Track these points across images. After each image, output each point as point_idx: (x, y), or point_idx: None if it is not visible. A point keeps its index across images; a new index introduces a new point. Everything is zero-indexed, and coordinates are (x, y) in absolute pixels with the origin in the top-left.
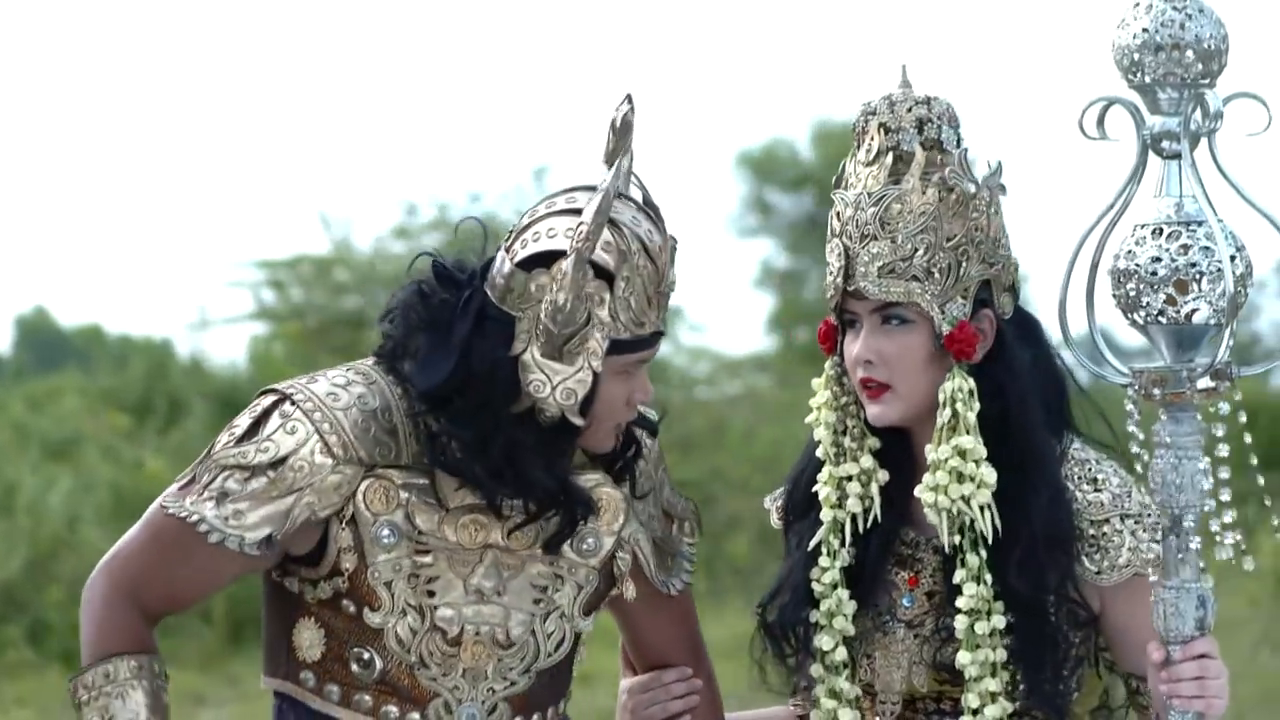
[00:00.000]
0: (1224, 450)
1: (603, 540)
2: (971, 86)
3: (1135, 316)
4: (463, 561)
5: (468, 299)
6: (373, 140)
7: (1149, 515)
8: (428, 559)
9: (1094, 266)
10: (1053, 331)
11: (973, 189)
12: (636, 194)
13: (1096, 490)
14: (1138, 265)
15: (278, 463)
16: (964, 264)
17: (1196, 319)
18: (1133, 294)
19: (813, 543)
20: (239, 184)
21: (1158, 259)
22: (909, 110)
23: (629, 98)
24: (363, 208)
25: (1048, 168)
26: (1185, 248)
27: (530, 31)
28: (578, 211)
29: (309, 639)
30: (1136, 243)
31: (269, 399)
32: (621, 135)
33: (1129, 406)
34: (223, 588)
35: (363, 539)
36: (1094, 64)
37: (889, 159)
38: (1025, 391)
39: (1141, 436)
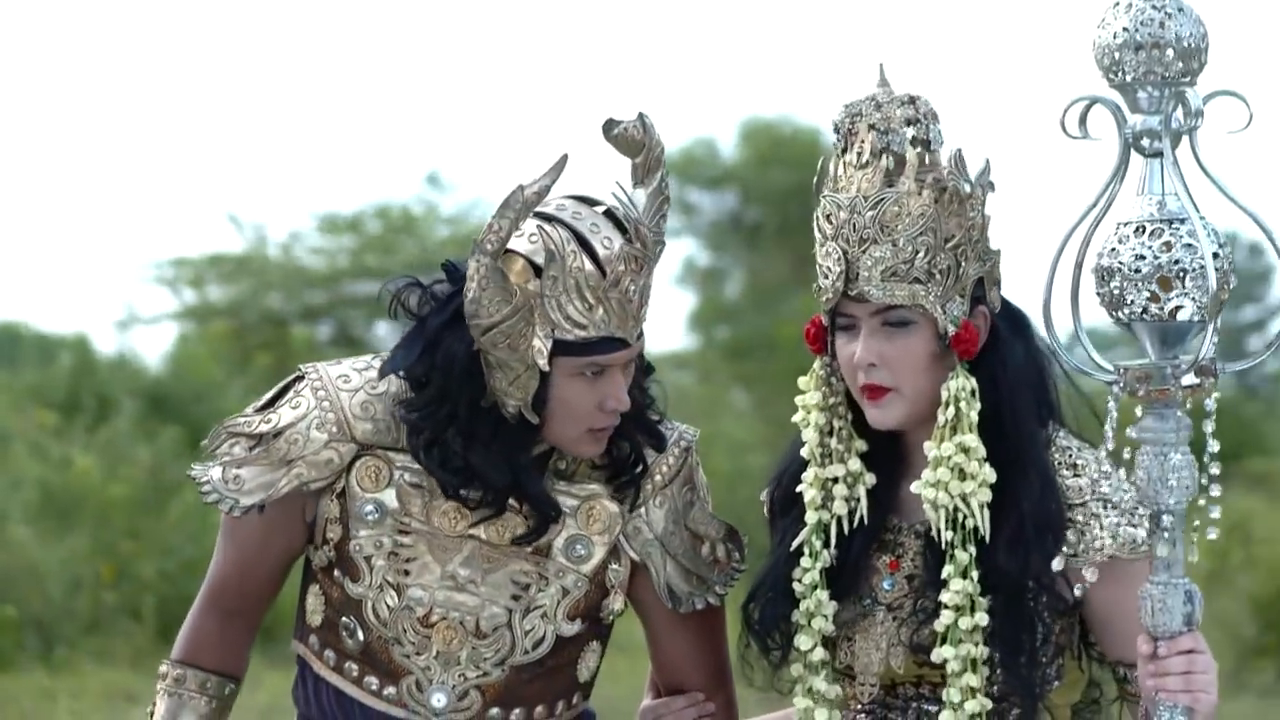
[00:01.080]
0: (1215, 446)
1: (594, 549)
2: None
3: (1119, 314)
4: (443, 547)
5: (453, 295)
6: (284, 140)
7: (1125, 499)
8: (408, 540)
9: (1078, 265)
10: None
11: (967, 188)
12: (614, 202)
13: (1076, 475)
14: (1121, 263)
15: (277, 434)
16: (962, 263)
17: (1180, 316)
18: (1116, 291)
19: (795, 543)
20: (152, 182)
21: (1141, 256)
22: (897, 110)
23: (640, 115)
24: (275, 207)
25: (1014, 164)
26: (1168, 245)
27: (439, 34)
28: (548, 218)
29: (313, 604)
30: (1119, 240)
31: (292, 376)
32: (633, 151)
33: (1110, 405)
34: (279, 569)
35: (348, 513)
36: (1054, 61)
37: (883, 160)
38: (1018, 384)
39: (1111, 436)
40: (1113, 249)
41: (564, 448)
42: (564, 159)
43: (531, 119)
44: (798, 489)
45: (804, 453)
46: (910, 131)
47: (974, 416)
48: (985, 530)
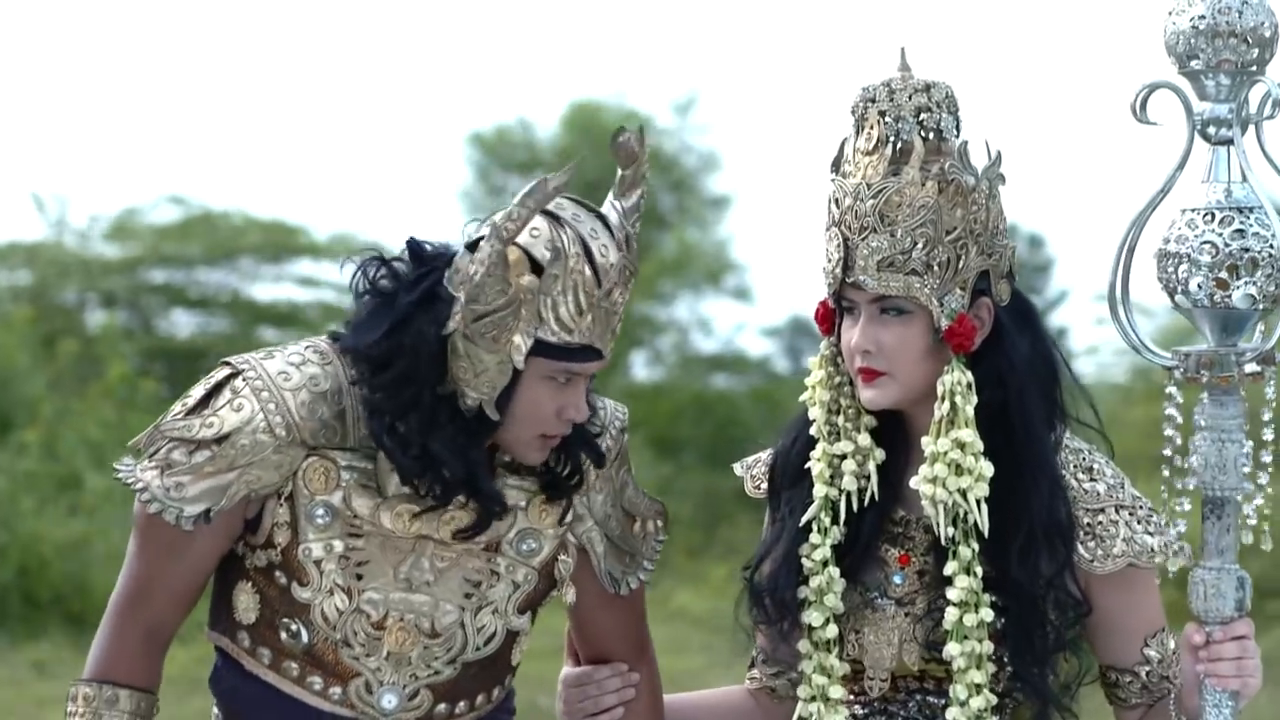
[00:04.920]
0: (1269, 434)
1: (544, 542)
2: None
3: (1181, 299)
4: (395, 549)
5: (423, 275)
6: (92, 126)
7: (1142, 507)
8: (360, 542)
9: (1130, 250)
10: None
11: (972, 181)
12: (612, 214)
13: (1092, 480)
14: (1189, 249)
15: (221, 439)
16: (963, 257)
17: (1245, 304)
18: (1182, 277)
19: (804, 519)
20: None
21: (1209, 243)
22: (909, 98)
23: (641, 128)
24: (77, 193)
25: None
26: (1240, 233)
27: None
28: (553, 217)
29: (245, 603)
30: (1187, 225)
31: (223, 372)
32: (626, 163)
33: (1170, 389)
34: (207, 572)
35: (298, 516)
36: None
37: (889, 149)
38: (1024, 381)
39: (1180, 420)
40: (1180, 234)
41: (511, 449)
42: (579, 159)
43: (352, 103)
44: (806, 465)
45: (812, 430)
46: (920, 121)
47: (969, 411)
48: (984, 526)
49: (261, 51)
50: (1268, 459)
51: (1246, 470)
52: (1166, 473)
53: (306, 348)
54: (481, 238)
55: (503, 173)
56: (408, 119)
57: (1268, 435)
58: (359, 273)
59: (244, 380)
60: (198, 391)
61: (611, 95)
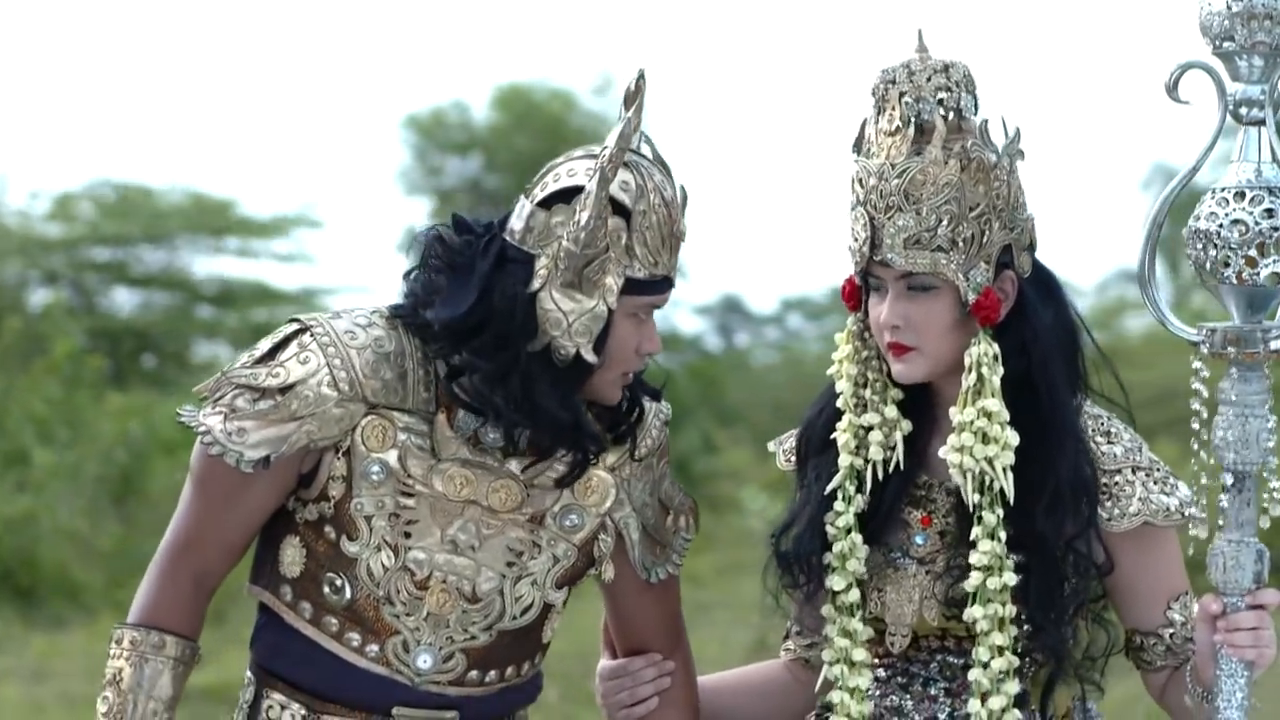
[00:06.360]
0: None
1: (587, 519)
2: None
3: (1210, 277)
4: (444, 511)
5: (488, 242)
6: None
7: (1158, 469)
8: (411, 502)
9: (1159, 227)
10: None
11: (993, 158)
12: (648, 151)
13: (1110, 443)
14: (1219, 227)
15: (286, 389)
16: (986, 232)
17: (1272, 282)
18: (1212, 254)
19: (830, 487)
20: None
21: (1239, 221)
22: (929, 79)
23: (641, 73)
24: (14, 171)
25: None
26: (1270, 212)
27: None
28: (595, 156)
29: (291, 556)
30: (1218, 204)
31: (292, 327)
32: (629, 105)
33: (1196, 364)
34: (258, 523)
35: (353, 471)
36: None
37: (911, 129)
38: (1048, 349)
39: (1206, 394)
40: (1211, 213)
41: (597, 392)
42: (643, 89)
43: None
44: (831, 435)
45: (839, 403)
46: (940, 101)
47: (996, 382)
48: (1010, 493)
49: (205, 37)
50: None
51: (1270, 445)
52: (1195, 446)
53: (373, 313)
54: (557, 191)
55: (439, 153)
56: (344, 102)
57: None
58: (424, 249)
59: (311, 336)
60: (265, 344)
61: (537, 77)
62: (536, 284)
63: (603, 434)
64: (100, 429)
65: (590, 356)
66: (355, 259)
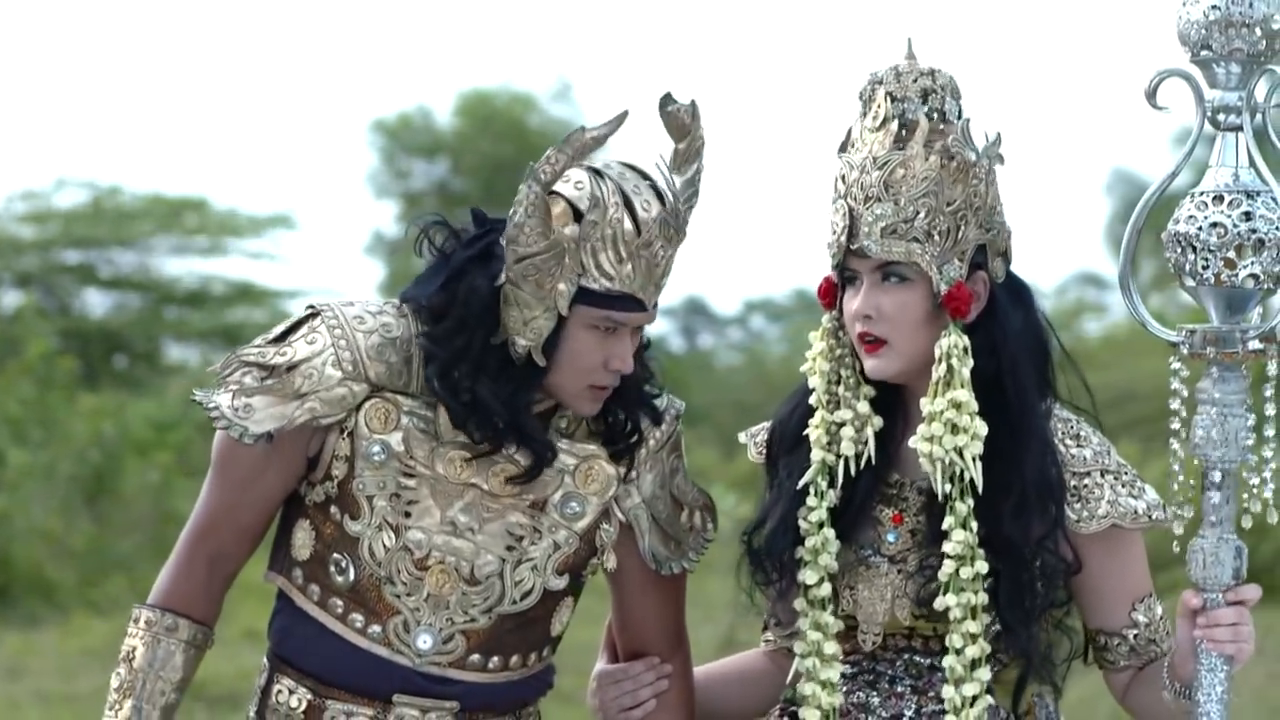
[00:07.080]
0: (1271, 409)
1: (587, 508)
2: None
3: (1189, 279)
4: (444, 493)
5: (481, 235)
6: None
7: (1126, 473)
8: (411, 483)
9: (1139, 232)
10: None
11: (973, 157)
12: (659, 177)
13: (1080, 446)
14: (1198, 230)
15: (292, 367)
16: (962, 228)
17: (1250, 283)
18: (1191, 257)
19: (801, 483)
20: None
21: (1218, 224)
22: (914, 81)
23: (693, 101)
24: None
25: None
26: (1247, 215)
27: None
28: (597, 172)
29: (301, 539)
30: (1196, 208)
31: (305, 312)
32: (679, 136)
33: (1175, 365)
34: (273, 505)
35: (356, 451)
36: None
37: (894, 125)
38: (1017, 352)
39: (1185, 394)
40: (1190, 216)
41: (563, 400)
42: (624, 114)
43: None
44: (804, 432)
45: (812, 400)
46: (924, 101)
47: (965, 374)
48: (979, 481)
49: (178, 42)
50: (1270, 433)
51: (1249, 443)
52: (1175, 445)
53: (386, 302)
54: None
55: (406, 157)
56: (314, 106)
57: (1270, 410)
58: (423, 235)
59: (321, 319)
60: (279, 328)
61: (498, 83)
62: (502, 278)
63: (551, 443)
64: (73, 429)
65: (538, 358)
66: (326, 260)
